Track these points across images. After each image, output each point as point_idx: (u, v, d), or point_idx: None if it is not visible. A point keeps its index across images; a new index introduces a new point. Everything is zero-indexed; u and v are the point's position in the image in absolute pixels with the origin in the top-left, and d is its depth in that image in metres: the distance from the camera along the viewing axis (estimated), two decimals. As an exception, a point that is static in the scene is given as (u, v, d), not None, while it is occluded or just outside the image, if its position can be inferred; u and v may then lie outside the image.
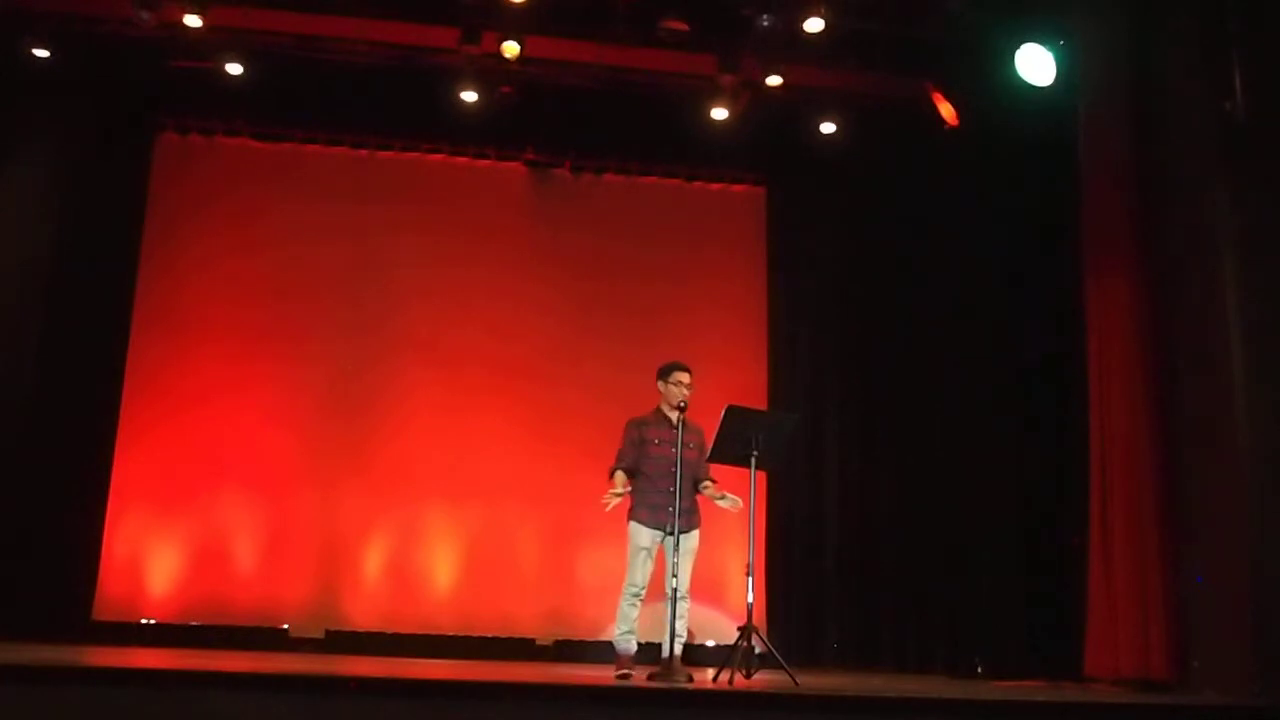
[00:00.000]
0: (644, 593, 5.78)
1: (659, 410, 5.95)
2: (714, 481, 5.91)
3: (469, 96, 8.68)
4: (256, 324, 9.02)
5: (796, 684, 5.20)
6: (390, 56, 8.75)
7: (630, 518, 5.82)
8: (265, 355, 9.00)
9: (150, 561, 8.56)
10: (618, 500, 5.66)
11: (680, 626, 5.61)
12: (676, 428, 5.57)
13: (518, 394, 9.11)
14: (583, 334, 9.31)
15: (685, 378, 5.86)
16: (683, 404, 5.67)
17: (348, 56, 8.72)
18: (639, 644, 5.85)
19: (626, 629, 5.78)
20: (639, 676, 5.45)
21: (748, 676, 5.32)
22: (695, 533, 5.85)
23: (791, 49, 8.25)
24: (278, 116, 9.21)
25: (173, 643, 8.05)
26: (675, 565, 5.38)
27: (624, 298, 9.41)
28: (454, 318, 9.23)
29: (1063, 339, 7.69)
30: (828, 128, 9.05)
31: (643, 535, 5.76)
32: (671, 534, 5.42)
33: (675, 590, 5.38)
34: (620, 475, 5.77)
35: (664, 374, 5.94)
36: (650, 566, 5.78)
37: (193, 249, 9.05)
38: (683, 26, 8.14)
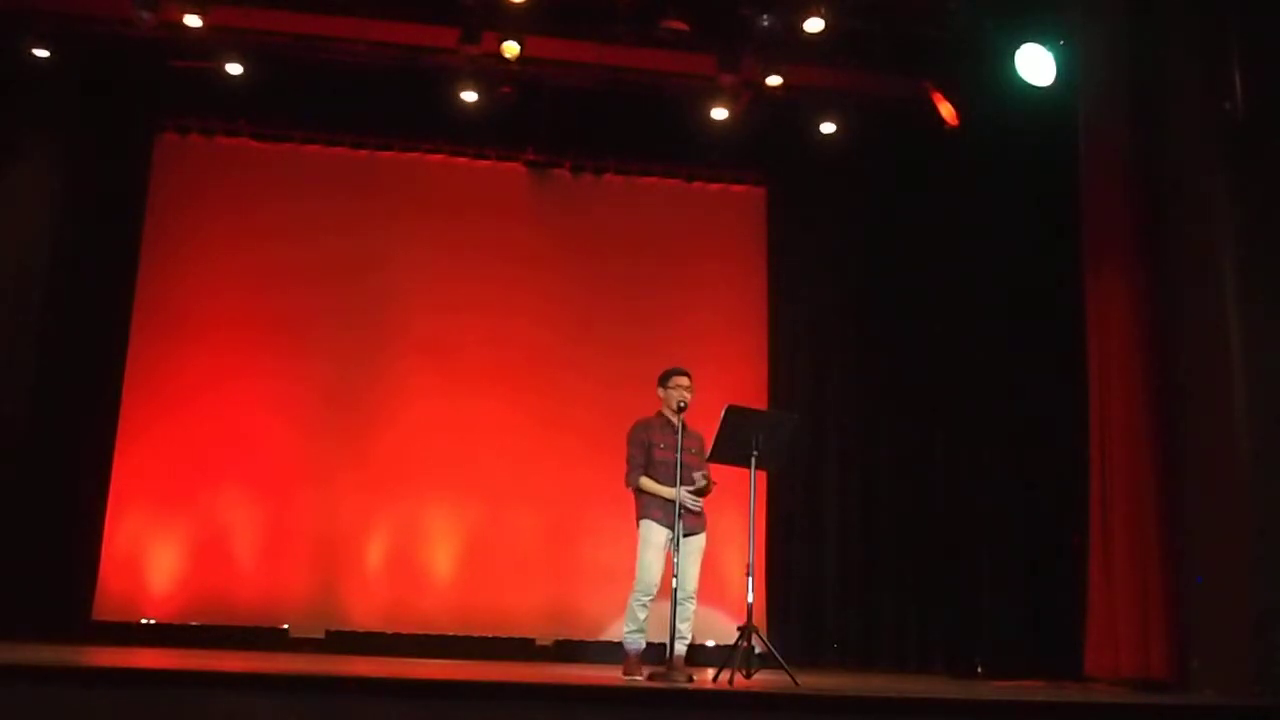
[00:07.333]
0: (655, 594, 5.80)
1: (661, 415, 5.98)
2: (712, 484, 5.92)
3: (469, 96, 8.68)
4: (256, 324, 9.01)
5: (796, 684, 5.20)
6: (390, 56, 8.75)
7: (644, 516, 5.84)
8: (265, 355, 8.99)
9: (150, 561, 8.55)
10: (697, 498, 5.72)
11: (685, 628, 5.64)
12: (678, 432, 5.59)
13: (518, 395, 9.11)
14: (583, 334, 9.31)
15: (684, 381, 5.89)
16: (682, 404, 5.71)
17: (348, 56, 8.73)
18: (645, 644, 5.86)
19: (636, 628, 5.79)
20: (641, 677, 5.46)
21: (748, 676, 5.31)
22: (703, 535, 5.89)
23: (791, 49, 8.25)
24: (278, 116, 9.20)
25: (173, 643, 8.05)
26: (679, 565, 5.44)
27: (624, 298, 9.40)
28: (454, 318, 9.22)
29: (1063, 338, 7.68)
30: (828, 128, 9.05)
31: (658, 533, 5.78)
32: (681, 534, 5.54)
33: (677, 590, 5.40)
34: (649, 481, 5.80)
35: (663, 380, 5.98)
36: (661, 566, 5.80)
37: (192, 248, 9.05)
38: (683, 26, 8.14)
